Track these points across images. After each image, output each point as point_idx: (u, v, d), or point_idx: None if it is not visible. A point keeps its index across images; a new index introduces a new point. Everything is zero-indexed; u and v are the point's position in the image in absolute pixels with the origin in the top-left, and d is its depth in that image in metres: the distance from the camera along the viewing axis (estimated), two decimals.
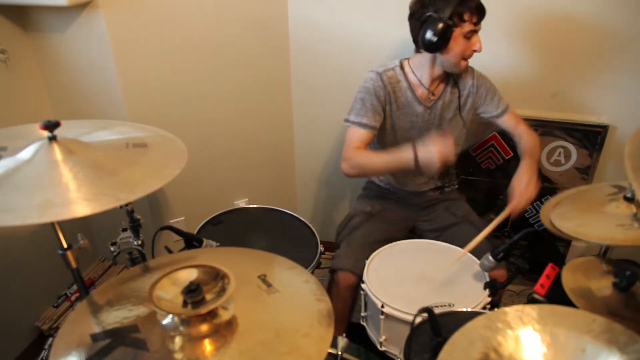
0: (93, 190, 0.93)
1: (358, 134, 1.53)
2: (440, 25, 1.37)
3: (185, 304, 0.80)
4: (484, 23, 1.44)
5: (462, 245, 1.54)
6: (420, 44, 1.44)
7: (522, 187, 1.46)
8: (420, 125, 1.61)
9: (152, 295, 0.80)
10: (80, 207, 0.88)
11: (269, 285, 0.93)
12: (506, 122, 1.67)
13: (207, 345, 0.78)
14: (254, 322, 0.83)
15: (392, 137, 1.64)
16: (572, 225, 1.33)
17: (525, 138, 1.64)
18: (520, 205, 1.45)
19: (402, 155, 1.40)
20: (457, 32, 1.41)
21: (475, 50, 1.46)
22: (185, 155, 1.14)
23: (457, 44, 1.43)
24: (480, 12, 1.40)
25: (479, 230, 1.62)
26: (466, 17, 1.38)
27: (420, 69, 1.56)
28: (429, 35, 1.39)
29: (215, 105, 1.99)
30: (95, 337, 0.80)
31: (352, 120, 1.55)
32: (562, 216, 1.39)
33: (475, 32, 1.43)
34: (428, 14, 1.40)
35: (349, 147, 1.53)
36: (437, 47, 1.41)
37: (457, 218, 1.69)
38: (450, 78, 1.60)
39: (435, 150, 1.32)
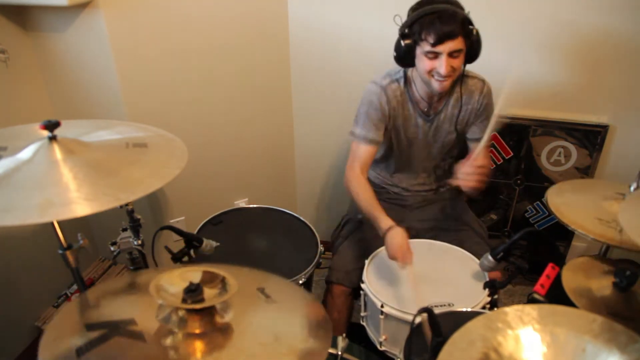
0: (93, 190, 0.93)
1: (362, 151, 1.54)
2: (400, 41, 1.39)
3: (184, 302, 0.80)
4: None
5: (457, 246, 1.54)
6: None
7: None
8: (421, 137, 1.59)
9: (153, 287, 0.80)
10: (80, 206, 0.88)
11: (267, 296, 0.93)
12: (474, 146, 1.57)
13: (202, 346, 0.78)
14: (250, 329, 0.83)
15: (390, 143, 1.62)
16: (558, 202, 1.35)
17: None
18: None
19: (379, 223, 1.41)
20: (419, 51, 1.37)
21: (440, 73, 1.36)
22: (185, 155, 1.14)
23: (420, 62, 1.39)
24: (438, 36, 1.30)
25: (475, 233, 1.60)
26: (423, 35, 1.33)
27: (418, 79, 1.50)
28: (395, 48, 1.42)
29: (215, 104, 1.99)
30: (90, 327, 0.80)
31: (357, 133, 1.55)
32: (558, 192, 1.41)
33: (435, 53, 1.35)
34: (400, 27, 1.40)
35: (353, 164, 1.54)
36: (398, 61, 1.44)
37: (451, 221, 1.67)
38: (456, 90, 1.53)
39: (392, 252, 1.34)
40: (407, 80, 1.53)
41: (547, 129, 1.91)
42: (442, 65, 1.34)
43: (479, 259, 1.36)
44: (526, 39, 1.82)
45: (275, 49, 2.04)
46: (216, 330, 0.80)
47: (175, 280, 0.83)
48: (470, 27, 1.35)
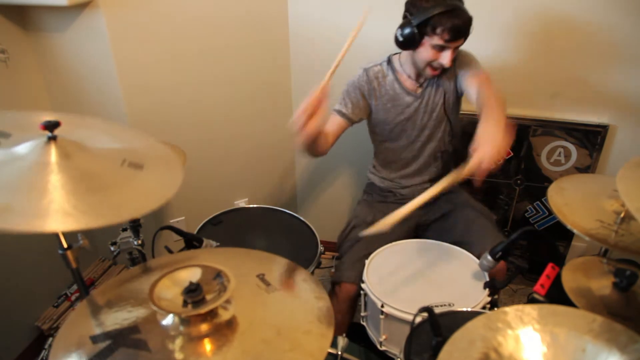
0: (76, 203, 0.85)
1: (332, 120, 1.60)
2: (409, 29, 1.43)
3: (185, 304, 0.80)
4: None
5: (465, 229, 1.56)
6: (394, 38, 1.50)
7: (489, 134, 1.19)
8: (413, 114, 1.62)
9: (152, 295, 0.80)
10: (53, 220, 0.79)
11: (267, 284, 0.93)
12: (474, 82, 1.49)
13: (208, 345, 0.78)
14: (254, 321, 0.83)
15: (388, 131, 1.66)
16: (560, 203, 1.35)
17: (492, 98, 1.40)
18: (488, 153, 1.15)
19: None
20: (426, 41, 1.44)
21: (442, 65, 1.46)
22: (178, 182, 1.06)
23: (425, 51, 1.46)
24: (454, 33, 1.39)
25: (479, 213, 1.63)
26: (438, 31, 1.40)
27: (407, 63, 1.59)
28: (398, 33, 1.46)
29: (215, 104, 1.99)
30: (95, 339, 0.80)
31: (334, 108, 1.62)
32: (561, 191, 1.40)
33: (445, 48, 1.43)
34: (407, 13, 1.45)
35: None
36: (400, 46, 1.49)
37: (454, 205, 1.69)
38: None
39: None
40: (390, 62, 1.63)
41: (547, 129, 1.91)
42: (446, 58, 1.44)
43: (487, 235, 1.41)
44: (526, 38, 1.82)
45: (276, 48, 2.04)
46: (221, 327, 0.80)
47: (167, 285, 0.83)
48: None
